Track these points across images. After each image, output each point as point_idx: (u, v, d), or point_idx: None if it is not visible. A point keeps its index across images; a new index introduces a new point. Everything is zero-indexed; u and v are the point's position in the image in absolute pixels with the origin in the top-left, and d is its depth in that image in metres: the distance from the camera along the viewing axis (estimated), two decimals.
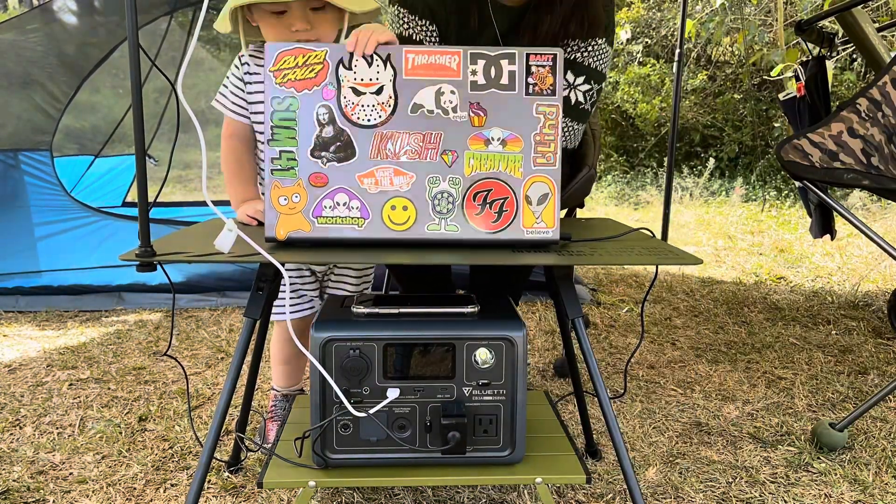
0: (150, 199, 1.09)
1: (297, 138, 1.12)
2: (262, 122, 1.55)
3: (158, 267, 1.10)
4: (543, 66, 1.12)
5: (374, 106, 1.13)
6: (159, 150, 4.05)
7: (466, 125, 1.13)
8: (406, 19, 1.62)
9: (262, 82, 1.52)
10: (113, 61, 3.02)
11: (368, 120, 1.13)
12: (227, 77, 1.54)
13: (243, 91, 1.52)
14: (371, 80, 1.12)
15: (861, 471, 1.59)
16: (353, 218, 1.14)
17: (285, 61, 1.11)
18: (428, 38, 1.64)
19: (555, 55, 1.13)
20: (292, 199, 1.13)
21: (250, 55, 1.52)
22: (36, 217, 2.93)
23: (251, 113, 1.53)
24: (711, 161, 7.79)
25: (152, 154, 3.92)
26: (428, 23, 1.62)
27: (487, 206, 1.15)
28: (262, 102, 1.55)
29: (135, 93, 1.05)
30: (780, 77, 4.09)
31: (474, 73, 1.12)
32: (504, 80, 1.13)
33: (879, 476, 1.57)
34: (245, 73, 1.52)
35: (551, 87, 1.13)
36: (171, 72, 3.77)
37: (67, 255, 2.94)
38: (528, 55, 1.12)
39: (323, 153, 1.13)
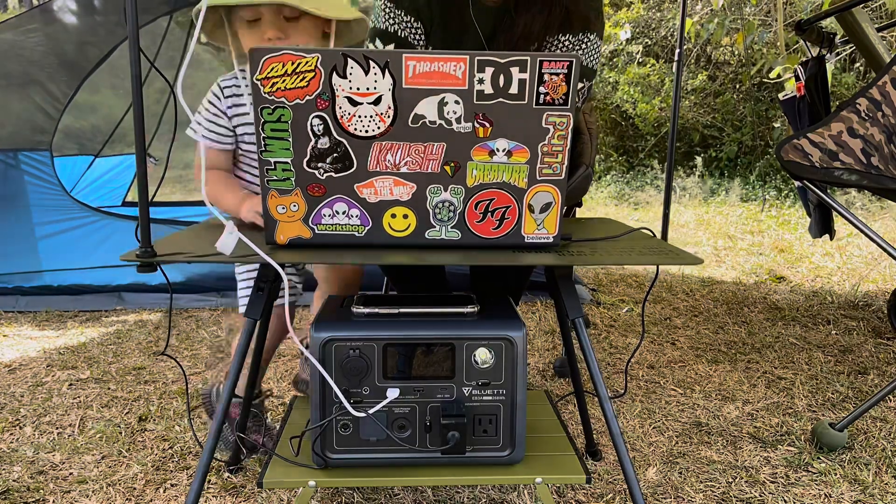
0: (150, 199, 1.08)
1: (291, 149, 1.07)
2: (251, 142, 1.52)
3: (158, 267, 1.10)
4: (557, 74, 1.05)
5: (371, 117, 1.06)
6: (159, 150, 4.05)
7: (471, 136, 1.08)
8: (392, 14, 1.60)
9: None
10: (113, 61, 3.02)
11: (366, 131, 1.07)
12: (205, 106, 1.48)
13: (225, 118, 1.48)
14: (368, 89, 1.05)
15: (861, 471, 1.59)
16: (352, 225, 1.13)
17: (273, 69, 1.02)
18: (413, 35, 1.62)
19: (570, 62, 1.04)
20: (290, 207, 1.11)
21: (241, 71, 1.48)
22: (36, 217, 2.94)
23: (239, 134, 1.50)
24: (699, 160, 7.80)
25: (152, 153, 3.93)
26: (413, 19, 1.60)
27: (489, 214, 1.13)
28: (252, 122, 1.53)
29: (135, 93, 1.05)
30: (780, 79, 4.10)
31: (481, 81, 1.04)
32: (513, 90, 1.05)
33: (879, 476, 1.57)
34: (232, 95, 1.47)
35: (564, 97, 1.06)
36: (170, 72, 3.77)
37: (67, 255, 2.94)
38: (541, 62, 1.04)
39: (320, 164, 1.08)
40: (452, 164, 1.10)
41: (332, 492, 1.47)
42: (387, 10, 1.60)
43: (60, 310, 2.88)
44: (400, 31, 1.60)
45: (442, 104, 1.06)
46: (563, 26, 1.61)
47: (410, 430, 1.22)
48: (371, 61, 1.03)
